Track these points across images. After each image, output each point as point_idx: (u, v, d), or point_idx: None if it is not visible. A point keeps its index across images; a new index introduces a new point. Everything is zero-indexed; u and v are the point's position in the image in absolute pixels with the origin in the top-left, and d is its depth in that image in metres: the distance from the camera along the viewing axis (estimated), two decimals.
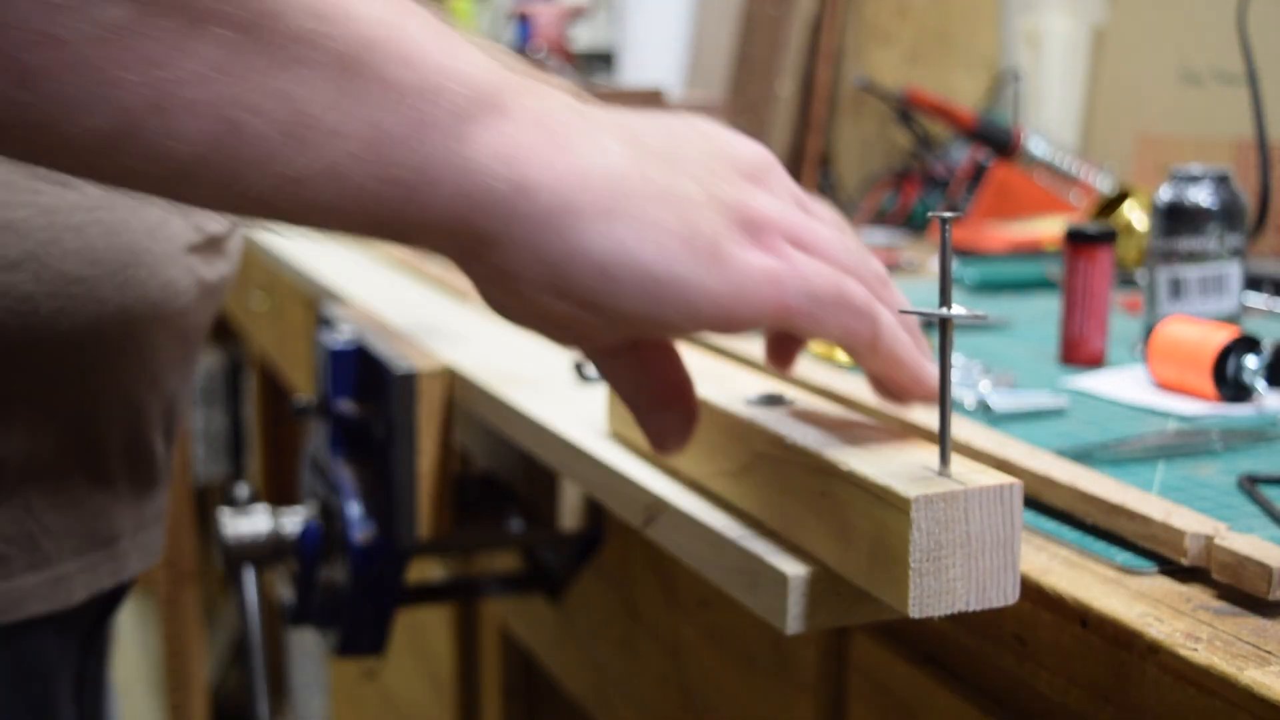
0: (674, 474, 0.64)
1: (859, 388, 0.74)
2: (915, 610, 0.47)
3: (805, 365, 0.80)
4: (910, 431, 0.58)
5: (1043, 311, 1.06)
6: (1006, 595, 0.49)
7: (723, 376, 0.66)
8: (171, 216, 0.70)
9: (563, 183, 0.44)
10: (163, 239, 0.70)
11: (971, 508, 0.47)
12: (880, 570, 0.49)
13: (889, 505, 0.48)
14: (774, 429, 0.55)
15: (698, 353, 0.72)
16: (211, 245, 0.74)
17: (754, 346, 0.88)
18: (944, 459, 0.49)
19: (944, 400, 0.49)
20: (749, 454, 0.57)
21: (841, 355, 0.88)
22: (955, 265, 1.21)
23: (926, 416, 0.65)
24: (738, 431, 0.58)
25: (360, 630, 0.95)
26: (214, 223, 0.74)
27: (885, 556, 0.48)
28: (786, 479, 0.54)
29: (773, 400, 0.60)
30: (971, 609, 0.48)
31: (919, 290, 1.13)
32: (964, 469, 0.49)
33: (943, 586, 0.47)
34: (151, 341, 0.71)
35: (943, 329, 0.49)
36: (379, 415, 0.93)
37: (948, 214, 0.47)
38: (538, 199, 0.44)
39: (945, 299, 0.48)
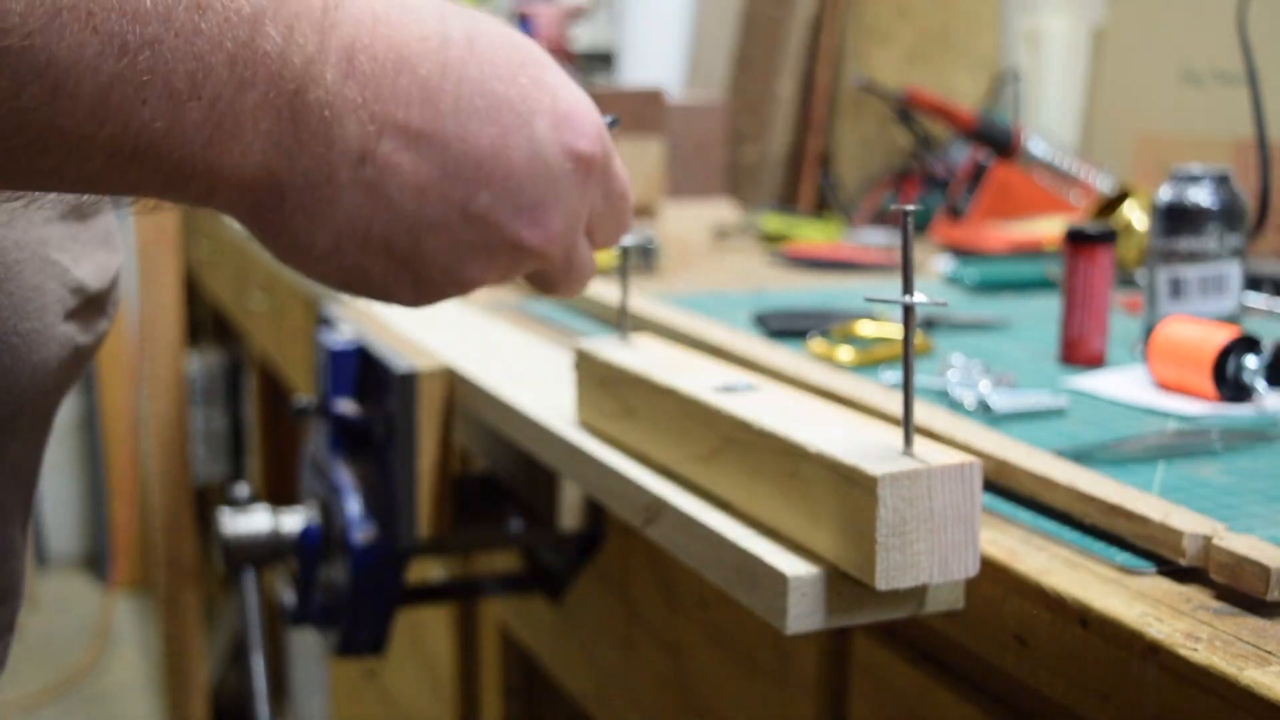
0: (644, 459, 0.65)
1: (839, 381, 0.74)
2: (882, 583, 0.49)
3: (800, 362, 0.80)
4: (875, 416, 0.61)
5: (1043, 311, 1.06)
6: (967, 568, 0.51)
7: (690, 365, 0.67)
8: (47, 282, 0.59)
9: None
10: (34, 314, 0.58)
11: (934, 485, 0.50)
12: (848, 546, 0.51)
13: (856, 484, 0.50)
14: (743, 414, 0.57)
15: (667, 343, 0.73)
16: (91, 306, 0.62)
17: (723, 335, 0.88)
18: (907, 440, 0.51)
19: (907, 384, 0.51)
20: (718, 439, 0.59)
21: (841, 355, 0.88)
22: (955, 265, 1.21)
23: (891, 401, 0.68)
24: (706, 418, 0.59)
25: (360, 630, 0.95)
26: (95, 279, 0.62)
27: (853, 533, 0.50)
28: (755, 462, 0.56)
29: (739, 387, 0.62)
30: (935, 581, 0.51)
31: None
32: (926, 449, 0.51)
33: (908, 560, 0.50)
34: (13, 431, 0.59)
35: (906, 316, 0.50)
36: (379, 415, 0.93)
37: (909, 207, 0.49)
38: None
39: (908, 287, 0.50)
